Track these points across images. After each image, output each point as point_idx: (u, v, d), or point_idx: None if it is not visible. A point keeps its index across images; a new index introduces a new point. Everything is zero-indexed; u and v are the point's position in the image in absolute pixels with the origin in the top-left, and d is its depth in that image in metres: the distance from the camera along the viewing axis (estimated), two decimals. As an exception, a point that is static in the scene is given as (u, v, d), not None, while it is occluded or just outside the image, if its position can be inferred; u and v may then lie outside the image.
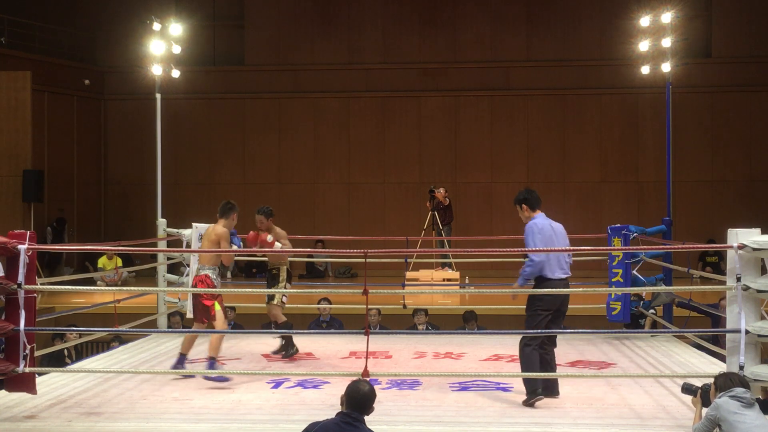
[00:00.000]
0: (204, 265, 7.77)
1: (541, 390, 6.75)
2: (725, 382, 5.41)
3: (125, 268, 15.99)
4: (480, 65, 19.74)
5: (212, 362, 7.48)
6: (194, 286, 7.90)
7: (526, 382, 6.81)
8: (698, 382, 5.90)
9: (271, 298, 8.67)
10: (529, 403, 6.75)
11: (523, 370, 6.90)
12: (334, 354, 9.15)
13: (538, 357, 6.87)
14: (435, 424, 6.26)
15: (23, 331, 6.30)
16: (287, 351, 8.65)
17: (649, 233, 10.49)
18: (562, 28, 19.76)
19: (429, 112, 19.85)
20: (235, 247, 7.92)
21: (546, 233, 6.97)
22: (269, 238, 8.39)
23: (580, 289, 6.90)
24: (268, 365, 8.54)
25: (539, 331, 6.97)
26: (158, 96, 11.68)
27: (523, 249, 7.09)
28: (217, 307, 7.63)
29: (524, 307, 7.26)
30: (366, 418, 4.67)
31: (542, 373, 6.83)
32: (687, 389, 5.87)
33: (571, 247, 6.98)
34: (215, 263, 7.76)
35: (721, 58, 19.32)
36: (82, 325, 11.44)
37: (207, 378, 7.37)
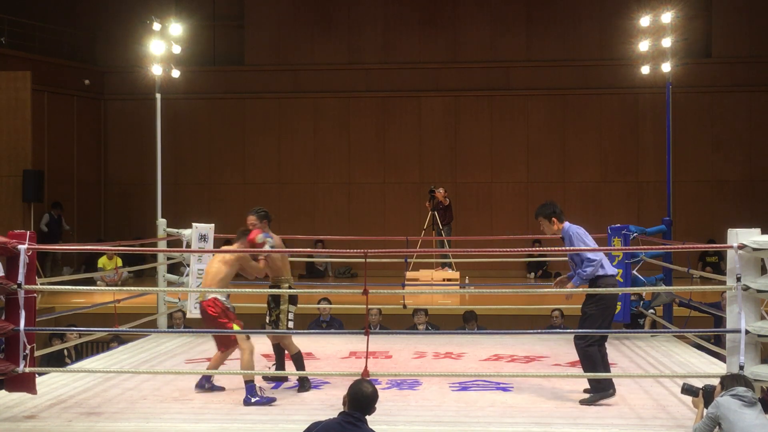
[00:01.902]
0: (215, 286, 7.15)
1: (613, 390, 6.78)
2: (731, 382, 5.42)
3: (125, 268, 15.99)
4: (480, 65, 19.73)
5: (251, 386, 6.83)
6: (204, 310, 7.17)
7: (595, 381, 6.80)
8: (698, 382, 5.90)
9: (275, 323, 7.45)
10: (592, 401, 6.74)
11: (588, 369, 6.87)
12: (334, 354, 9.15)
13: (600, 356, 6.89)
14: (435, 424, 6.26)
15: (23, 331, 6.30)
16: (303, 385, 7.37)
17: (649, 233, 10.49)
18: (562, 28, 19.76)
19: (429, 112, 19.85)
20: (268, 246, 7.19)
21: (588, 234, 7.11)
22: (260, 237, 7.24)
23: (580, 289, 6.91)
24: (269, 365, 8.53)
25: (538, 331, 6.97)
26: (158, 96, 11.68)
27: (525, 249, 7.12)
28: (236, 328, 7.09)
29: (524, 307, 7.26)
30: (367, 417, 4.67)
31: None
32: (688, 390, 5.87)
33: (573, 247, 6.96)
34: (223, 286, 7.15)
35: (721, 58, 19.31)
36: (82, 325, 11.43)
37: (248, 403, 6.77)
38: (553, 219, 7.11)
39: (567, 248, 7.01)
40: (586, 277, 6.89)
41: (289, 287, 7.51)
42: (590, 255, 6.89)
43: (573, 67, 19.58)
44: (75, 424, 6.28)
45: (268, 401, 6.81)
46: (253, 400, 6.78)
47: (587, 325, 6.86)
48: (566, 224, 7.13)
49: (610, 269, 7.01)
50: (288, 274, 7.59)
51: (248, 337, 7.15)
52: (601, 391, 6.80)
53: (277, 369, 7.69)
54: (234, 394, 7.20)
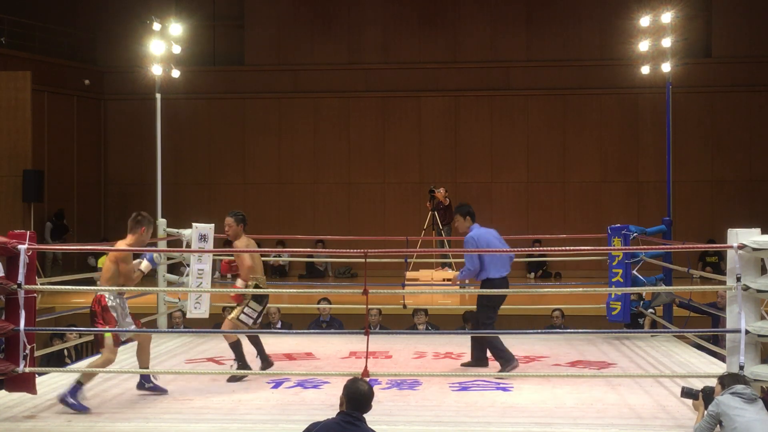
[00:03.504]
0: (102, 284, 6.89)
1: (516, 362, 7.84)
2: (730, 381, 5.44)
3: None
4: (480, 65, 19.74)
5: (78, 387, 6.59)
6: (90, 309, 6.88)
7: (501, 356, 7.85)
8: (698, 382, 5.91)
9: (230, 311, 7.78)
10: (509, 369, 7.68)
11: (499, 355, 7.88)
12: (334, 354, 9.14)
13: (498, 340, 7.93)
14: (435, 424, 6.25)
15: (23, 331, 6.29)
16: (236, 375, 7.53)
17: (649, 233, 10.48)
18: (562, 28, 19.77)
19: (429, 112, 19.85)
20: (145, 263, 6.94)
21: (483, 241, 8.02)
22: (239, 282, 7.69)
23: (580, 289, 6.92)
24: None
25: (538, 331, 7.03)
26: (158, 96, 11.68)
27: (525, 250, 7.28)
28: (107, 334, 6.74)
29: (524, 307, 7.29)
30: (365, 416, 4.67)
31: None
32: (687, 393, 5.87)
33: (575, 247, 6.98)
34: (114, 283, 6.82)
35: (721, 58, 19.32)
36: (82, 325, 11.39)
37: (63, 401, 6.54)
38: (468, 218, 8.17)
39: (564, 249, 7.01)
40: (462, 278, 8.35)
41: (257, 286, 7.72)
42: (468, 264, 7.96)
43: (573, 67, 19.58)
44: (75, 424, 6.28)
45: (82, 408, 6.52)
46: (69, 400, 6.52)
47: (477, 320, 8.16)
48: (473, 227, 8.13)
49: (495, 273, 7.93)
50: (259, 273, 7.84)
51: (115, 349, 6.90)
52: (507, 362, 7.77)
53: (262, 361, 7.88)
54: (234, 394, 7.20)
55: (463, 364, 8.30)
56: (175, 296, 10.67)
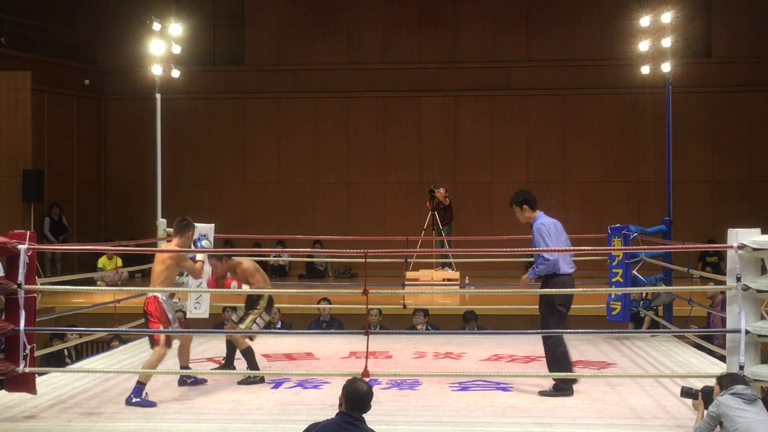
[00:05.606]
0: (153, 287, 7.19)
1: (571, 391, 7.07)
2: (729, 381, 5.44)
3: (125, 268, 15.97)
4: (480, 65, 19.73)
5: (140, 387, 6.79)
6: (144, 309, 7.16)
7: (560, 380, 7.07)
8: (698, 382, 5.91)
9: (240, 320, 7.84)
10: (551, 395, 7.02)
11: (554, 368, 7.09)
12: (334, 354, 9.15)
13: (567, 356, 7.17)
14: (435, 424, 6.26)
15: (23, 331, 6.30)
16: (249, 377, 7.61)
17: (649, 233, 10.48)
18: (562, 28, 19.76)
19: (429, 112, 19.85)
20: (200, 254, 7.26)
21: (553, 231, 7.20)
22: (233, 285, 7.74)
23: (580, 289, 6.94)
24: (268, 365, 8.54)
25: (543, 331, 7.04)
26: (158, 96, 11.68)
27: (525, 249, 7.21)
28: (161, 329, 6.99)
29: (524, 307, 7.28)
30: (365, 416, 4.67)
31: (555, 373, 6.81)
32: (687, 393, 5.87)
33: (575, 247, 6.98)
34: (165, 285, 7.12)
35: (721, 58, 19.31)
36: (82, 325, 11.42)
37: (129, 403, 6.73)
38: (525, 206, 7.28)
39: (576, 248, 6.99)
40: (539, 273, 7.11)
41: (270, 299, 7.90)
42: (547, 254, 7.02)
43: (573, 67, 19.58)
44: (75, 424, 6.29)
45: (149, 404, 6.72)
46: (134, 399, 6.72)
47: (543, 326, 7.14)
48: (537, 216, 7.28)
49: (564, 268, 7.13)
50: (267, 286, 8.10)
51: (168, 344, 7.08)
52: (562, 391, 7.06)
53: (225, 364, 7.87)
54: (234, 394, 7.21)
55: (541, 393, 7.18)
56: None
